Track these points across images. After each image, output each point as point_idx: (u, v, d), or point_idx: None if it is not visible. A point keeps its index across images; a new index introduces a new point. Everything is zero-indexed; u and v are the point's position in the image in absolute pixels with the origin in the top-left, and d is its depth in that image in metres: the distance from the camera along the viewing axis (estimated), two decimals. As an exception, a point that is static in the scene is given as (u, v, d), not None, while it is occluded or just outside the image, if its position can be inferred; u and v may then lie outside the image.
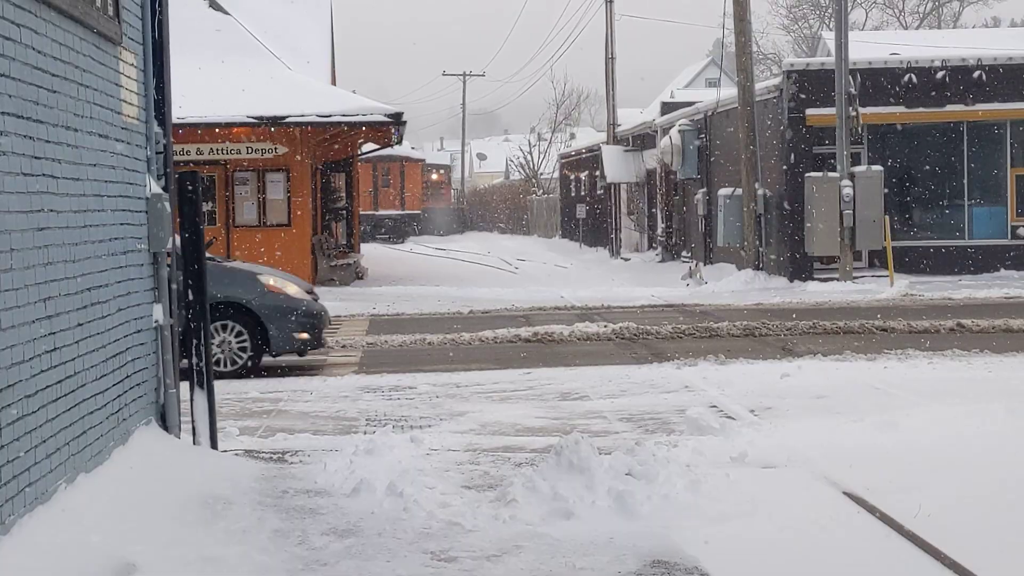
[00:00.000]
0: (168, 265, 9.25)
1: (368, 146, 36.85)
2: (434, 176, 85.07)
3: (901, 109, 29.51)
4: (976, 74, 29.44)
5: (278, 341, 15.28)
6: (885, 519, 7.44)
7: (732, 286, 28.57)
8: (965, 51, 32.05)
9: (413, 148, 78.91)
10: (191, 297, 9.47)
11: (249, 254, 30.03)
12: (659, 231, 41.54)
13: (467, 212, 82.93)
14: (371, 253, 46.19)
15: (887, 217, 27.75)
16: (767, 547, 7.03)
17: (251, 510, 7.67)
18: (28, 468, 6.33)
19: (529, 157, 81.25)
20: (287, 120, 29.31)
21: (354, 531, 7.31)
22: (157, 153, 9.32)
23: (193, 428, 9.41)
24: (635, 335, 18.46)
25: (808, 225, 27.75)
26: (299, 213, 30.41)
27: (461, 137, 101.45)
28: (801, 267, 28.89)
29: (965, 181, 30.03)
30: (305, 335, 15.46)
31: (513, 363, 15.92)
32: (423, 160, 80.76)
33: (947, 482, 8.18)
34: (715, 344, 17.33)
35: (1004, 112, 29.61)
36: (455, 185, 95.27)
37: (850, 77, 27.68)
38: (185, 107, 24.99)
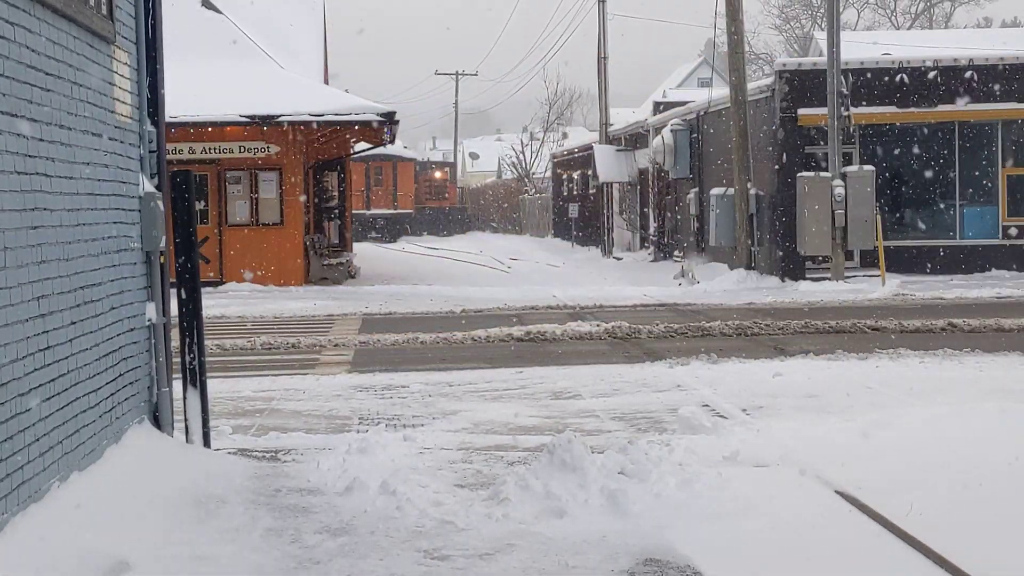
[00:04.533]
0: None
1: (361, 145, 36.85)
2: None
3: (893, 109, 29.55)
4: (968, 74, 29.49)
5: None
6: (877, 517, 7.45)
7: (724, 285, 28.59)
8: (957, 51, 32.12)
9: (406, 147, 78.83)
10: (184, 295, 9.47)
11: (241, 253, 30.05)
12: (651, 230, 41.57)
13: (462, 211, 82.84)
14: (364, 252, 46.15)
15: (879, 217, 27.78)
16: (759, 545, 7.05)
17: (244, 509, 7.68)
18: (21, 466, 6.33)
19: (522, 156, 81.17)
20: (280, 119, 29.31)
21: (347, 530, 7.32)
22: (150, 152, 9.32)
23: (186, 427, 9.41)
24: (627, 334, 18.47)
25: (800, 225, 27.78)
26: (292, 212, 30.41)
27: (454, 136, 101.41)
28: (793, 266, 28.92)
29: (956, 181, 30.08)
30: None
31: (505, 362, 15.93)
32: (416, 159, 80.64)
33: (939, 481, 8.19)
34: (707, 343, 17.34)
35: (995, 112, 29.66)
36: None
37: (842, 77, 27.73)
38: (178, 106, 24.99)
